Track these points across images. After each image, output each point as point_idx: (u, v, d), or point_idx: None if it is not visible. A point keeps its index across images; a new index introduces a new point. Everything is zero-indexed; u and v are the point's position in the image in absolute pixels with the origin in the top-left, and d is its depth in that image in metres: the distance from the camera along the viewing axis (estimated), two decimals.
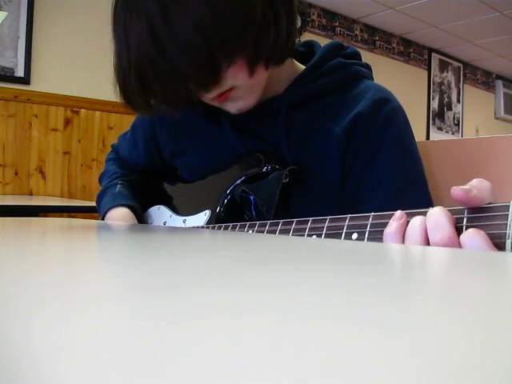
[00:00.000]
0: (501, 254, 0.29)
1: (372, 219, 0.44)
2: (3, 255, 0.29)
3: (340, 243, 0.38)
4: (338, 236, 0.46)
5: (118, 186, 0.83)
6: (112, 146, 0.93)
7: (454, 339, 0.12)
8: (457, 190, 0.37)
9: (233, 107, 0.63)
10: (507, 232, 0.33)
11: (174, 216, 0.77)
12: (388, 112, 0.63)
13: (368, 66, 0.73)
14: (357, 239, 0.44)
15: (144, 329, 0.12)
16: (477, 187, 0.37)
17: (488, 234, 0.35)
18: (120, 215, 0.77)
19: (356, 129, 0.63)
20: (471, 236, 0.35)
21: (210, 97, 0.59)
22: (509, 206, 0.34)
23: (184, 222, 0.74)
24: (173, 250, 0.34)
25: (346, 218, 0.46)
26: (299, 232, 0.50)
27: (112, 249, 0.35)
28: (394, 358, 0.10)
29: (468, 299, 0.16)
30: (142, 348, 0.11)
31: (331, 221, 0.47)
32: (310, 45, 0.74)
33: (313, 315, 0.14)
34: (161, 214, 0.79)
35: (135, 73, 0.56)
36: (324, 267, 0.24)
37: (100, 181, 0.90)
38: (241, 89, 0.60)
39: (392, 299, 0.16)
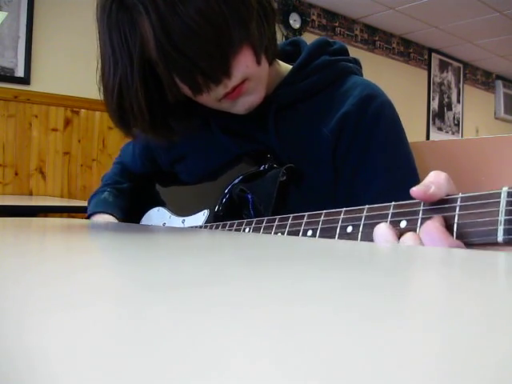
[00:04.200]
0: (500, 253, 0.29)
1: (366, 212, 0.44)
2: (3, 255, 0.29)
3: (338, 243, 0.38)
4: (333, 230, 0.46)
5: (105, 193, 0.85)
6: (121, 149, 0.95)
7: (455, 338, 0.12)
8: (414, 191, 0.38)
9: (244, 104, 0.63)
10: (499, 219, 0.34)
11: (173, 217, 0.77)
12: (376, 108, 0.63)
13: (356, 61, 0.72)
14: (352, 232, 0.44)
15: (142, 327, 0.12)
16: (434, 183, 0.38)
17: (480, 221, 0.35)
18: (100, 220, 0.80)
19: (344, 129, 0.63)
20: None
21: (224, 92, 0.60)
22: (500, 193, 0.34)
23: (183, 222, 0.74)
24: (171, 249, 0.34)
25: (341, 211, 0.46)
26: (295, 227, 0.50)
27: (111, 248, 0.35)
28: (395, 357, 0.10)
29: (468, 298, 0.16)
30: (140, 347, 0.11)
31: (326, 215, 0.48)
32: (297, 43, 0.74)
33: (313, 314, 0.14)
34: (160, 216, 0.80)
35: (139, 74, 0.57)
36: (323, 266, 0.24)
37: (102, 180, 0.94)
38: (252, 80, 0.61)
39: (391, 298, 0.17)
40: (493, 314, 0.14)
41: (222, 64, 0.56)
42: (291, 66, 0.69)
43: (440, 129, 4.84)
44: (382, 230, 0.41)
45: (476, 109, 5.26)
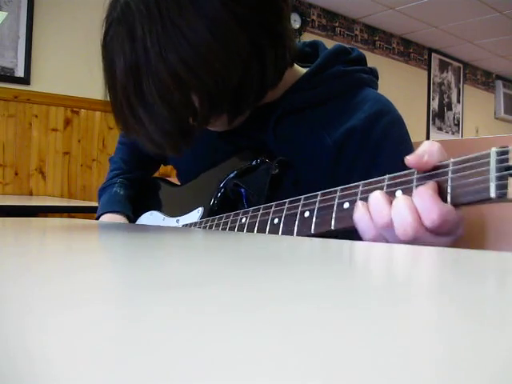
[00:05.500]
0: (498, 253, 0.29)
1: (362, 187, 0.46)
2: (3, 255, 0.29)
3: (337, 243, 0.38)
4: (330, 208, 0.47)
5: (116, 185, 0.86)
6: None
7: (454, 338, 0.12)
8: (408, 160, 0.42)
9: (214, 130, 0.67)
10: (490, 176, 0.36)
11: (167, 218, 0.77)
12: (385, 126, 0.62)
13: (372, 71, 0.70)
14: (349, 208, 0.46)
15: (142, 327, 0.12)
16: (427, 152, 0.41)
17: (473, 181, 0.38)
18: (112, 220, 0.81)
19: (349, 143, 0.62)
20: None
21: None
22: (489, 153, 0.37)
23: (177, 222, 0.74)
24: (170, 249, 0.34)
25: (337, 190, 0.48)
26: (292, 210, 0.51)
27: (111, 248, 0.35)
28: (395, 357, 0.10)
29: (468, 298, 0.16)
30: (140, 347, 0.11)
31: (322, 195, 0.49)
32: (315, 46, 0.73)
33: (312, 314, 0.14)
34: (154, 219, 0.80)
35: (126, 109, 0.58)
36: (323, 266, 0.24)
37: (109, 161, 0.95)
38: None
39: (391, 298, 0.17)
40: (494, 314, 0.14)
41: (185, 141, 0.57)
42: (305, 71, 0.67)
43: (440, 129, 4.84)
44: (375, 196, 0.43)
45: (476, 109, 5.26)
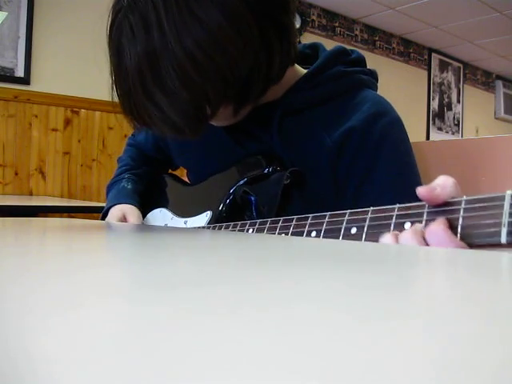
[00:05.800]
0: (502, 254, 0.29)
1: (371, 213, 0.44)
2: (3, 255, 0.29)
3: (339, 243, 0.38)
4: (337, 231, 0.46)
5: (124, 181, 0.86)
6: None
7: (455, 339, 0.12)
8: (420, 191, 0.40)
9: (217, 124, 0.67)
10: (502, 221, 0.35)
11: (176, 218, 0.77)
12: (383, 127, 0.61)
13: (372, 73, 0.70)
14: (356, 233, 0.45)
15: (143, 327, 0.12)
16: (440, 185, 0.40)
17: (484, 223, 0.36)
18: (120, 210, 0.80)
19: (348, 144, 0.62)
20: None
21: None
22: (504, 196, 0.35)
23: (185, 223, 0.74)
24: (173, 249, 0.34)
25: (346, 213, 0.47)
26: (299, 228, 0.50)
27: (111, 248, 0.35)
28: (395, 358, 0.10)
29: (469, 299, 0.16)
30: (141, 346, 0.11)
31: (331, 216, 0.48)
32: (315, 47, 0.73)
33: (313, 314, 0.14)
34: (162, 217, 0.80)
35: (124, 106, 0.58)
36: (324, 266, 0.24)
37: (118, 161, 0.96)
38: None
39: (393, 298, 0.16)
40: (494, 314, 0.14)
41: (200, 122, 0.57)
42: (305, 71, 0.67)
43: (440, 129, 4.84)
44: (386, 240, 0.41)
45: (476, 109, 5.26)
